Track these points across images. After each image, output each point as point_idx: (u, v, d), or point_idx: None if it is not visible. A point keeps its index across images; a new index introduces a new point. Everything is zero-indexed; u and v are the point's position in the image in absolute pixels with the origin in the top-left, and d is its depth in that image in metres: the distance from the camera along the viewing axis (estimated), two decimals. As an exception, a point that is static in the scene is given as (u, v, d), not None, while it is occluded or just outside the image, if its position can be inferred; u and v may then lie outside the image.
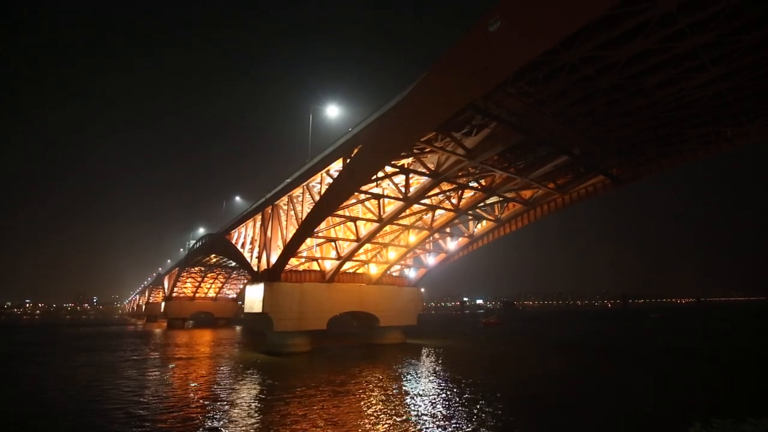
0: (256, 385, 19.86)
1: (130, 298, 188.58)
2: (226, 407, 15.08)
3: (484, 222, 33.32)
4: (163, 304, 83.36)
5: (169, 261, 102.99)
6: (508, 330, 60.09)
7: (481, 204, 29.10)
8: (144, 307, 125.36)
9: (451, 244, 36.99)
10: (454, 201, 27.76)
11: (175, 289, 76.64)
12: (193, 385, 19.88)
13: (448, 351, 32.24)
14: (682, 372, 22.29)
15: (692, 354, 29.07)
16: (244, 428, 12.33)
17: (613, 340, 42.33)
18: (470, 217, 33.03)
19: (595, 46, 12.94)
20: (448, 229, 33.57)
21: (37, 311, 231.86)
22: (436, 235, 34.38)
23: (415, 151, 21.55)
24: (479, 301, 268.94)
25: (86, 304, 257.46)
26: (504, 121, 16.76)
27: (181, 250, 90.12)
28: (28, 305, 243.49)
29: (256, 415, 13.97)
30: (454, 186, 25.02)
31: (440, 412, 13.76)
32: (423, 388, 18.03)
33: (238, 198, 57.10)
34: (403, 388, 18.17)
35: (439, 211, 29.63)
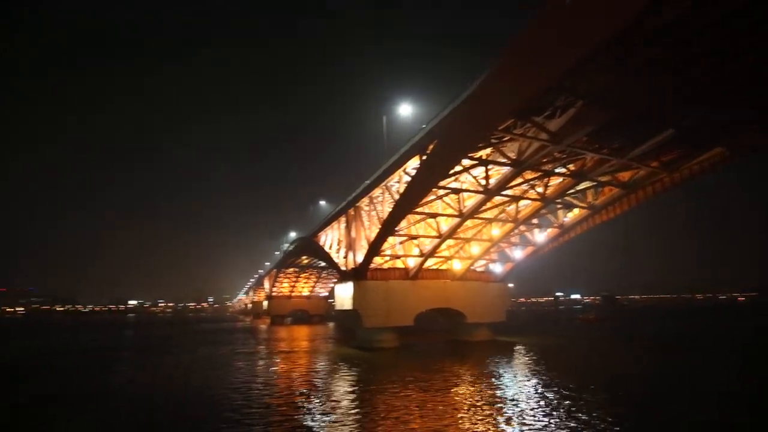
0: (349, 378, 21.06)
1: (237, 298, 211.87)
2: (323, 397, 16.24)
3: (576, 210, 30.64)
4: (265, 302, 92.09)
5: (267, 263, 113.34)
6: (608, 328, 54.61)
7: (571, 191, 26.78)
8: (250, 305, 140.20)
9: (540, 236, 34.68)
10: (540, 190, 25.98)
11: (274, 289, 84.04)
12: (294, 375, 21.86)
13: (539, 349, 30.48)
14: None
15: None
16: (337, 417, 13.14)
17: (727, 339, 36.32)
18: (559, 206, 30.58)
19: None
20: (535, 220, 31.58)
21: (168, 309, 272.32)
22: (522, 227, 32.56)
23: (492, 140, 20.72)
24: (575, 296, 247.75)
25: (204, 303, 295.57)
26: (592, 98, 15.30)
27: (276, 253, 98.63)
28: (161, 304, 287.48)
29: (349, 406, 14.81)
30: (538, 174, 23.52)
31: (527, 412, 13.17)
32: (511, 387, 17.42)
33: (323, 202, 60.81)
34: (491, 387, 17.73)
35: (523, 202, 28.08)
